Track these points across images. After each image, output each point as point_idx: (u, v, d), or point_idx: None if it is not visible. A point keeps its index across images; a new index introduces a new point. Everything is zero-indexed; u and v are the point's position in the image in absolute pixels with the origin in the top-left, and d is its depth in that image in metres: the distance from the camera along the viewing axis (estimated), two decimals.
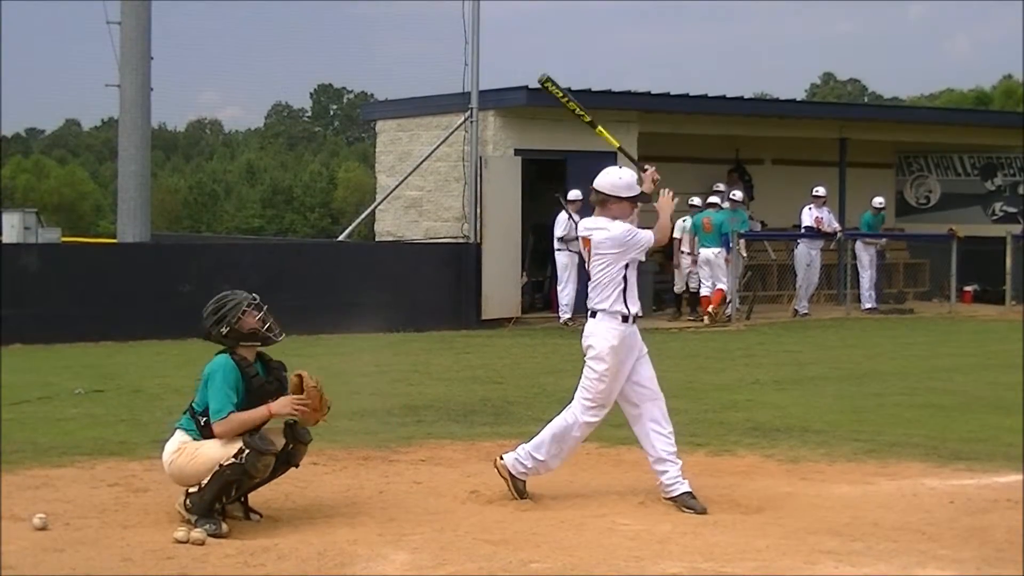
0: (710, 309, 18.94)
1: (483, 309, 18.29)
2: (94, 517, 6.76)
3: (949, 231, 21.92)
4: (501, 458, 7.41)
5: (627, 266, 7.19)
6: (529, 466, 7.32)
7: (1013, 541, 6.31)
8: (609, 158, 19.98)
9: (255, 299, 6.77)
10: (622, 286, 7.17)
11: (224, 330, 6.68)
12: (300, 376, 6.72)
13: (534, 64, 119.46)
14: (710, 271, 19.07)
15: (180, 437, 6.70)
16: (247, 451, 6.45)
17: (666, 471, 7.18)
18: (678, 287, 19.64)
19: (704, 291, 19.18)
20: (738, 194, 20.52)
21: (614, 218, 7.23)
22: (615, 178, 7.29)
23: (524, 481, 7.34)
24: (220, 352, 6.75)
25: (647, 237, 7.22)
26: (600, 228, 7.23)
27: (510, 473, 7.33)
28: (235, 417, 6.55)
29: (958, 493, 7.46)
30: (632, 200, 7.27)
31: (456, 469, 8.25)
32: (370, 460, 8.49)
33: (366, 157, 50.05)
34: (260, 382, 6.71)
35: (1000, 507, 7.10)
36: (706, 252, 19.09)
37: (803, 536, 6.45)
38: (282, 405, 6.63)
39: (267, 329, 6.74)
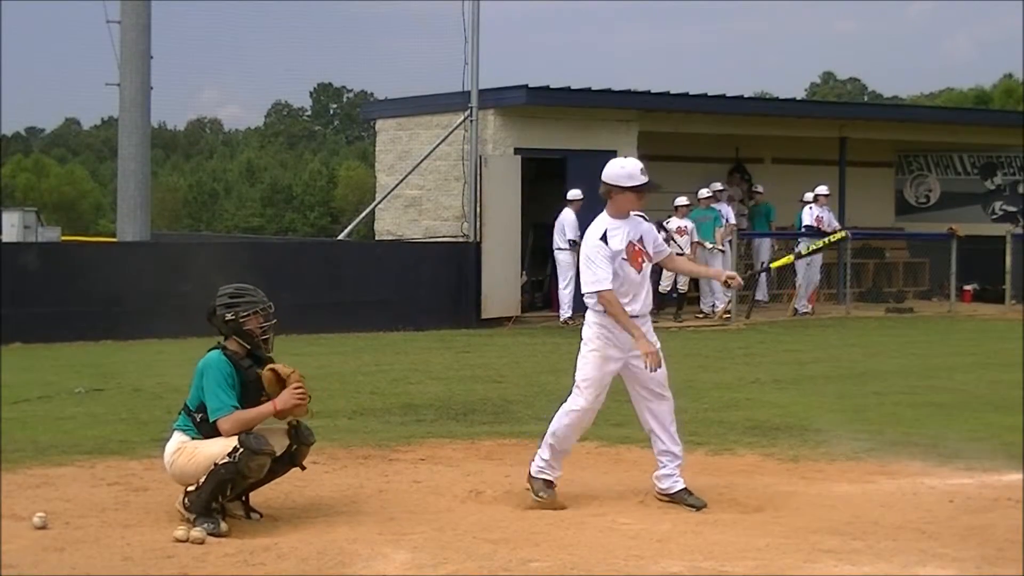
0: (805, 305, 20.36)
1: (483, 308, 18.28)
2: (94, 516, 6.76)
3: (949, 230, 21.91)
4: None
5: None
6: (544, 459, 7.30)
7: (1013, 540, 6.31)
8: (608, 157, 20.04)
9: (270, 308, 6.84)
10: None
11: (228, 316, 6.74)
12: (274, 370, 6.74)
13: (534, 63, 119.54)
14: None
15: (178, 438, 6.72)
16: (241, 450, 6.46)
17: (663, 465, 7.27)
18: (663, 286, 19.46)
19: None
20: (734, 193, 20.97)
21: (617, 210, 7.26)
22: (616, 168, 7.32)
23: (543, 480, 7.25)
24: (212, 348, 6.78)
25: (597, 277, 7.15)
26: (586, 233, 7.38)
27: (529, 474, 7.30)
28: (240, 415, 6.57)
29: (958, 492, 7.45)
30: (634, 190, 7.26)
31: (456, 468, 8.24)
32: (370, 459, 8.49)
33: (366, 156, 50.04)
34: (255, 373, 6.73)
35: (1000, 506, 7.10)
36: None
37: (803, 535, 6.44)
38: (285, 400, 6.64)
39: (263, 337, 6.80)
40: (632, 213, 7.35)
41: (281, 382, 6.70)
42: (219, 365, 6.63)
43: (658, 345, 7.22)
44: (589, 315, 7.31)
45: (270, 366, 6.76)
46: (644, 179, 7.26)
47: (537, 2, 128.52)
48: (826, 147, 23.64)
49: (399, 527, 6.60)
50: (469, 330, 17.69)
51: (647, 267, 7.32)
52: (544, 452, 7.29)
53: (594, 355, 7.23)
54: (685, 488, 7.26)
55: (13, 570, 5.71)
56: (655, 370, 7.10)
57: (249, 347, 6.77)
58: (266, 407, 6.63)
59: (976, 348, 15.96)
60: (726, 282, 7.87)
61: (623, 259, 7.19)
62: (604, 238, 7.19)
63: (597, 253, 7.16)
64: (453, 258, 18.54)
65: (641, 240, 7.30)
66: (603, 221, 7.31)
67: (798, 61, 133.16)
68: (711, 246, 19.52)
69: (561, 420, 7.30)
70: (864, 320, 19.93)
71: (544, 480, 7.25)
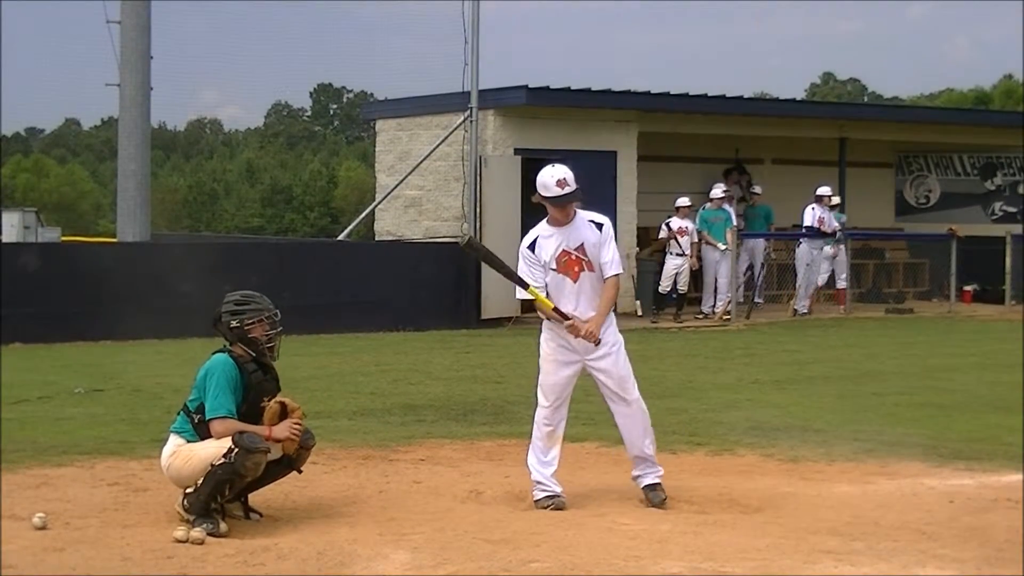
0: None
1: (483, 308, 18.28)
2: (94, 516, 6.76)
3: (949, 231, 21.93)
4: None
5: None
6: (535, 481, 7.26)
7: (1013, 541, 6.31)
8: (608, 157, 20.20)
9: (277, 315, 6.85)
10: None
11: (233, 323, 6.74)
12: (283, 403, 6.75)
13: (534, 63, 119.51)
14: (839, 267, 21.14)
15: (175, 441, 6.72)
16: (236, 450, 6.46)
17: (635, 467, 7.30)
18: (663, 287, 19.41)
19: (840, 284, 21.25)
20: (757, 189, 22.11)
21: (551, 217, 7.19)
22: (541, 175, 7.15)
23: (546, 496, 7.18)
24: (218, 351, 6.78)
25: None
26: None
27: (536, 503, 7.21)
28: (235, 423, 6.58)
29: (958, 492, 7.45)
30: (547, 200, 7.11)
31: (456, 468, 8.25)
32: (370, 459, 8.50)
33: (366, 156, 50.04)
34: (259, 378, 6.75)
35: (1000, 507, 7.10)
36: (828, 249, 20.93)
37: (803, 535, 6.44)
38: (281, 431, 6.65)
39: (268, 344, 6.80)
40: (587, 219, 7.19)
41: (284, 415, 6.73)
42: (226, 369, 6.63)
43: (618, 343, 7.21)
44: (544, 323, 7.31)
45: (279, 399, 6.78)
46: (558, 191, 7.02)
47: (537, 2, 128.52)
48: (826, 148, 23.66)
49: (399, 527, 6.60)
50: (469, 330, 17.68)
51: (587, 276, 7.13)
52: (533, 476, 7.26)
53: (544, 362, 7.32)
54: (650, 484, 7.25)
55: (13, 570, 5.71)
56: (585, 335, 7.03)
57: (254, 354, 6.77)
58: (262, 430, 6.62)
59: (976, 348, 15.96)
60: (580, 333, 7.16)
61: (552, 269, 7.12)
62: (532, 246, 7.17)
63: (524, 261, 7.20)
64: (453, 258, 18.52)
65: (582, 248, 7.10)
66: (538, 228, 7.25)
67: (798, 61, 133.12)
68: (724, 247, 19.48)
69: (533, 440, 7.31)
70: (864, 320, 19.93)
71: (547, 496, 7.21)
